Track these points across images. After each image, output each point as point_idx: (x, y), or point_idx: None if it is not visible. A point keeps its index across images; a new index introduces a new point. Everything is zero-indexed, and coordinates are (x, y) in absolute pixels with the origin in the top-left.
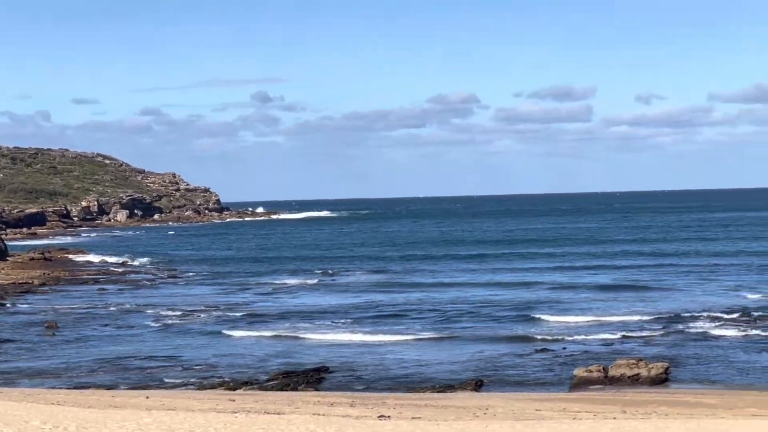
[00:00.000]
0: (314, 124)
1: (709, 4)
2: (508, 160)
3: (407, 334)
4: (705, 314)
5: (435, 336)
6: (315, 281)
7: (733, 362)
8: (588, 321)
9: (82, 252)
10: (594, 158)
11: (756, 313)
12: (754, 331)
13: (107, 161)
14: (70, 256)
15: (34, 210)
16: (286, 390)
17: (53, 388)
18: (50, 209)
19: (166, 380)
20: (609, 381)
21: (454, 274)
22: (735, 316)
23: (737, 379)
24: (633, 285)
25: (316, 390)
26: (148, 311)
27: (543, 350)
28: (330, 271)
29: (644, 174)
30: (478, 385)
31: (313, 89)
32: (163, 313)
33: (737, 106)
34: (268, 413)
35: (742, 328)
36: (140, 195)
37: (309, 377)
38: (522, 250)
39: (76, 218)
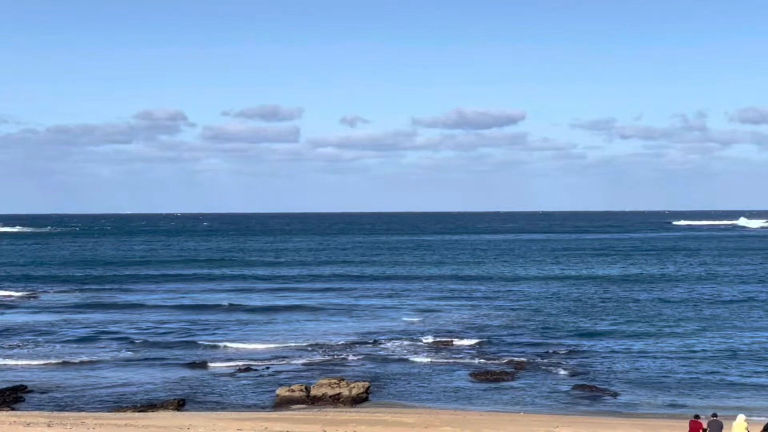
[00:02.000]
0: (16, 137)
1: (409, 32)
2: (215, 178)
3: (107, 353)
4: (404, 336)
5: (136, 357)
6: (13, 298)
7: (430, 383)
8: (288, 341)
9: None
10: (301, 179)
11: (448, 338)
12: (448, 354)
13: None
14: None
15: None
16: None
17: None
18: None
19: None
20: (311, 400)
21: (152, 293)
22: (430, 339)
23: (433, 399)
24: (335, 306)
25: (12, 410)
26: None
27: (247, 369)
28: (30, 289)
29: (351, 195)
30: (180, 405)
31: (18, 101)
32: None
33: (439, 131)
34: None
35: (436, 351)
36: None
37: (5, 397)
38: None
39: None
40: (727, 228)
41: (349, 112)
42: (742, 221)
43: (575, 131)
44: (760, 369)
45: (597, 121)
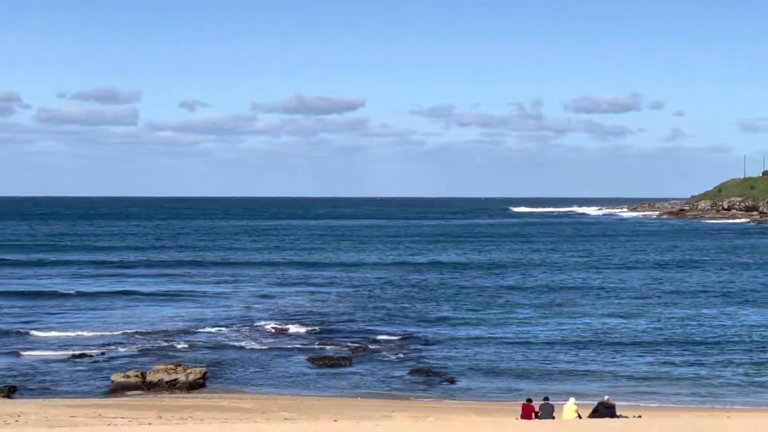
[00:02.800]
0: None
1: (250, 18)
2: (51, 161)
3: None
4: (242, 322)
5: None
6: None
7: (268, 368)
8: (124, 328)
9: None
10: (139, 162)
11: (286, 324)
12: (286, 340)
13: None
14: None
15: None
16: None
17: None
18: None
19: None
20: (147, 386)
21: None
22: (268, 325)
23: (271, 384)
24: (173, 292)
25: None
26: None
27: (81, 356)
28: None
29: (190, 180)
30: (10, 392)
31: None
32: None
33: (279, 116)
34: None
35: (274, 337)
36: None
37: None
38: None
39: None
40: (563, 215)
41: (188, 96)
42: (575, 208)
43: (414, 118)
44: (591, 355)
45: (436, 108)
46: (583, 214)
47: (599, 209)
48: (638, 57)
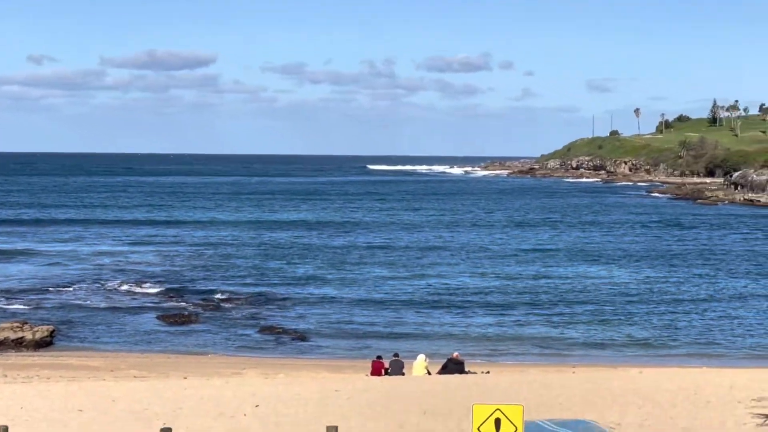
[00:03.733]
0: None
1: None
2: None
3: None
4: (90, 280)
5: None
6: None
7: (117, 326)
8: None
9: None
10: None
11: (135, 282)
12: (135, 298)
13: None
14: None
15: None
16: None
17: None
18: None
19: None
20: None
21: None
22: (117, 283)
23: (120, 342)
24: (20, 250)
25: None
26: None
27: None
28: None
29: (38, 135)
30: None
31: None
32: None
33: (129, 72)
34: None
35: (123, 295)
36: None
37: None
38: None
39: None
40: (418, 173)
41: (35, 50)
42: (430, 167)
43: (266, 75)
44: (442, 314)
45: (288, 65)
46: (439, 172)
47: (451, 167)
48: (489, 17)
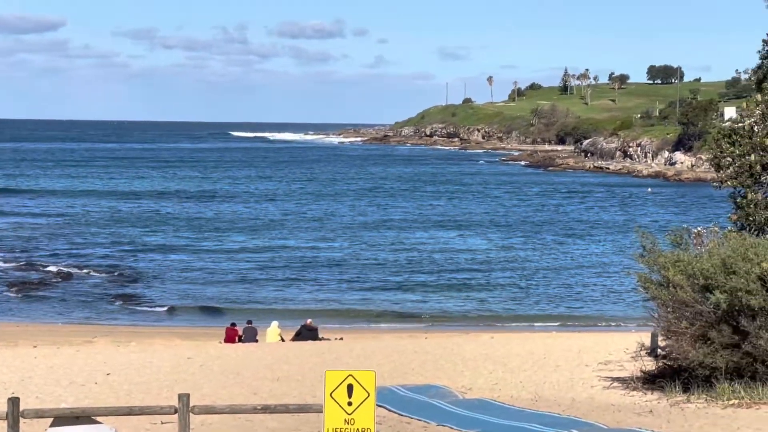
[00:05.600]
0: None
1: None
2: None
3: None
4: None
5: None
6: None
7: None
8: None
9: None
10: None
11: None
12: None
13: None
14: None
15: None
16: None
17: None
18: None
19: None
20: None
21: None
22: None
23: None
24: None
25: None
26: None
27: None
28: None
29: None
30: None
31: None
32: None
33: None
34: None
35: None
36: None
37: None
38: None
39: None
40: (273, 141)
41: None
42: (281, 134)
43: (117, 39)
44: (299, 283)
45: (139, 30)
46: (291, 140)
47: (306, 134)
48: None
